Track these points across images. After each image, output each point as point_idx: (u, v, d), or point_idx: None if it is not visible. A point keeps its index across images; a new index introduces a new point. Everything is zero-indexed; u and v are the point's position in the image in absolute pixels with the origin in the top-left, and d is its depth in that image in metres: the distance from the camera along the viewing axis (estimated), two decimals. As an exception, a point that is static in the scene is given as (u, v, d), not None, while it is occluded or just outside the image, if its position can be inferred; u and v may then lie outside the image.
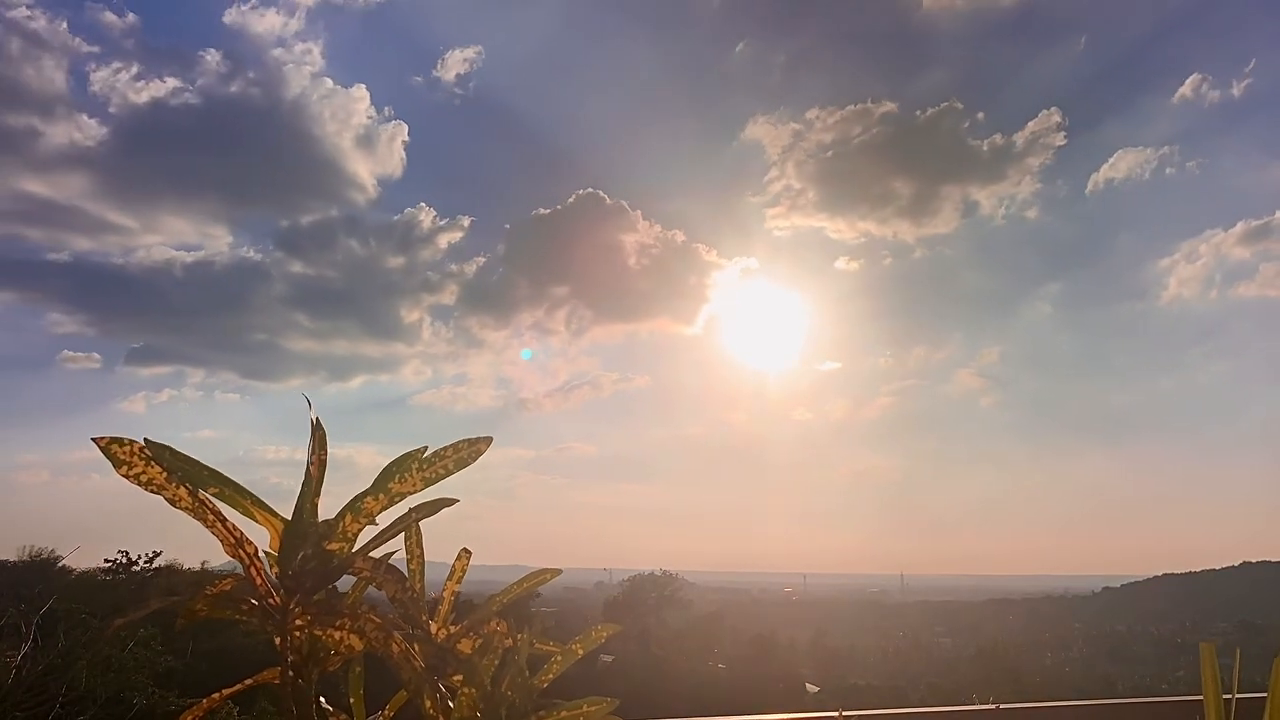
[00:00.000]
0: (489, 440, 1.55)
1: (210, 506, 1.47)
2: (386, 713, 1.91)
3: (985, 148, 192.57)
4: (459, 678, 1.69)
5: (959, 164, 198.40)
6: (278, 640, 1.50)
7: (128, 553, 32.33)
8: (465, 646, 1.79)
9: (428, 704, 1.60)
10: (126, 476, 1.42)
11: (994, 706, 4.26)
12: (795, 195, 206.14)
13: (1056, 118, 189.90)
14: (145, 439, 1.43)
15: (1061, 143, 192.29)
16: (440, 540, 2.05)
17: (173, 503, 1.45)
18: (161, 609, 1.65)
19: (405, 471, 1.51)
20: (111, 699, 12.32)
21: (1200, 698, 1.86)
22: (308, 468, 1.52)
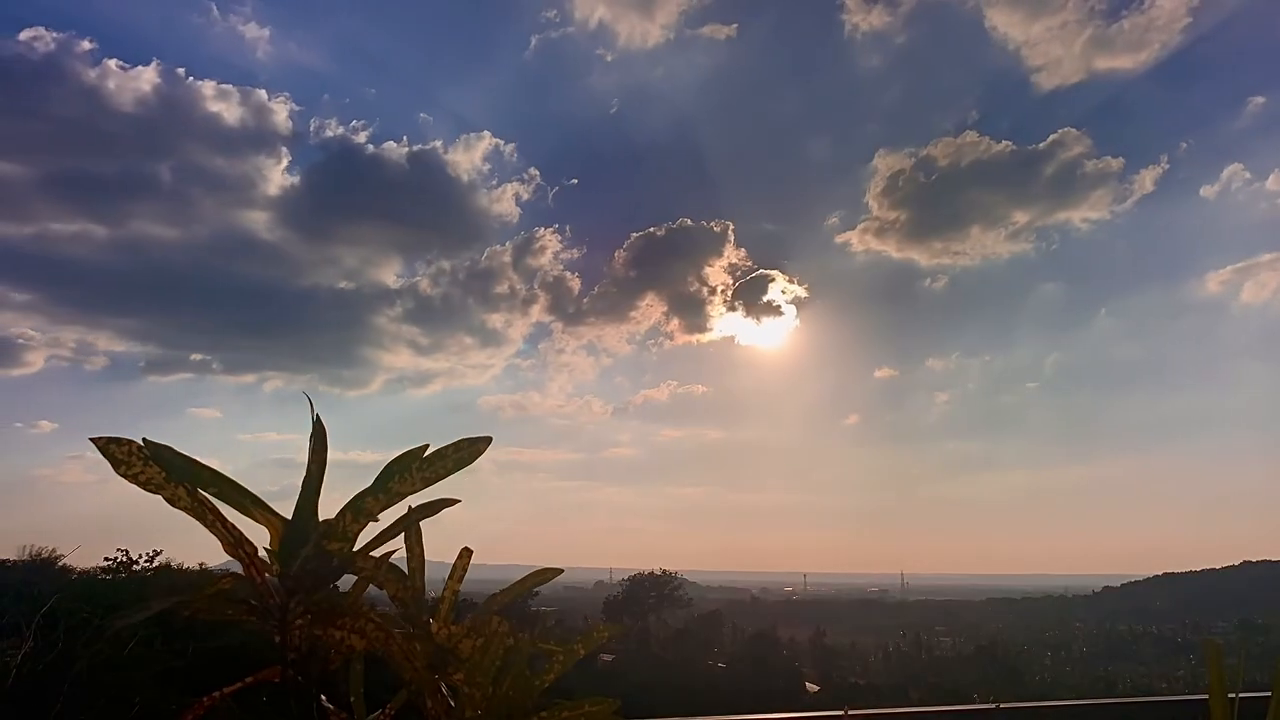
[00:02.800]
0: (488, 440, 1.55)
1: (209, 506, 1.46)
2: (388, 711, 1.91)
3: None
4: (460, 677, 1.69)
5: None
6: (277, 639, 1.49)
7: (127, 551, 32.33)
8: (466, 646, 1.79)
9: (429, 703, 1.60)
10: (125, 476, 1.42)
11: (994, 706, 4.26)
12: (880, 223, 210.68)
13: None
14: (143, 438, 1.43)
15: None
16: (446, 540, 2.06)
17: (172, 502, 1.44)
18: (164, 609, 1.65)
19: (405, 471, 1.51)
20: (112, 699, 12.32)
21: (1203, 697, 1.86)
22: (308, 467, 1.52)
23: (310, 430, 1.55)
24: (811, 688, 44.92)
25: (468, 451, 1.54)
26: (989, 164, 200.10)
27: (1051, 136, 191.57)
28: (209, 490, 1.46)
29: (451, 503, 1.55)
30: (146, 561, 32.67)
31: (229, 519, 1.50)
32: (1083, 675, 58.39)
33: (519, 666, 1.73)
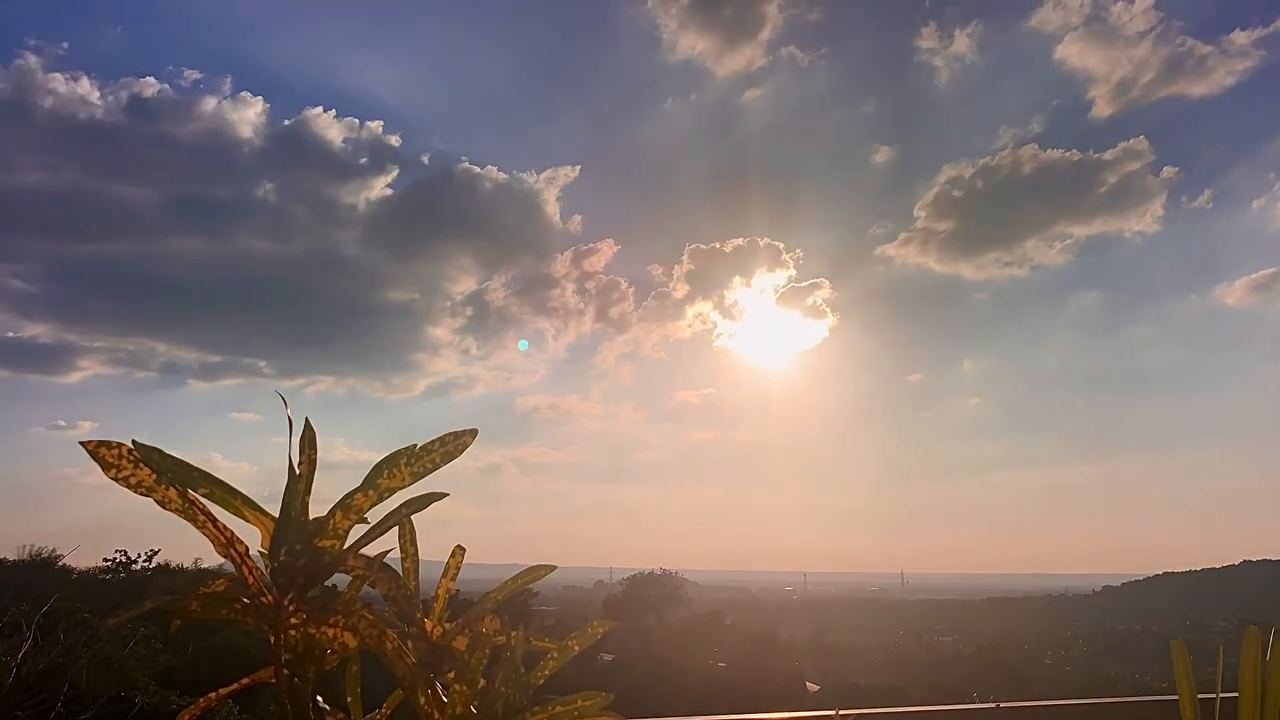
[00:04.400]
0: (474, 433, 1.56)
1: (200, 507, 1.46)
2: (383, 711, 1.90)
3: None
4: (452, 675, 1.69)
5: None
6: (272, 639, 1.49)
7: (126, 552, 32.36)
8: (460, 644, 1.79)
9: (421, 701, 1.60)
10: (116, 479, 1.42)
11: (994, 705, 4.26)
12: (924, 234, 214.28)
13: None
14: (133, 440, 1.43)
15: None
16: (452, 540, 2.07)
17: (163, 504, 1.45)
18: (158, 607, 1.65)
19: (394, 467, 1.52)
20: (112, 698, 12.33)
21: (1203, 696, 1.86)
22: (296, 466, 1.52)
23: (295, 431, 1.55)
24: (812, 687, 44.93)
25: (454, 445, 1.55)
26: (1037, 177, 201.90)
27: (1107, 151, 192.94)
28: (200, 491, 1.47)
29: (439, 497, 1.56)
30: (145, 561, 32.71)
31: (221, 520, 1.50)
32: (1083, 675, 58.43)
33: (512, 663, 1.73)
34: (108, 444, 1.42)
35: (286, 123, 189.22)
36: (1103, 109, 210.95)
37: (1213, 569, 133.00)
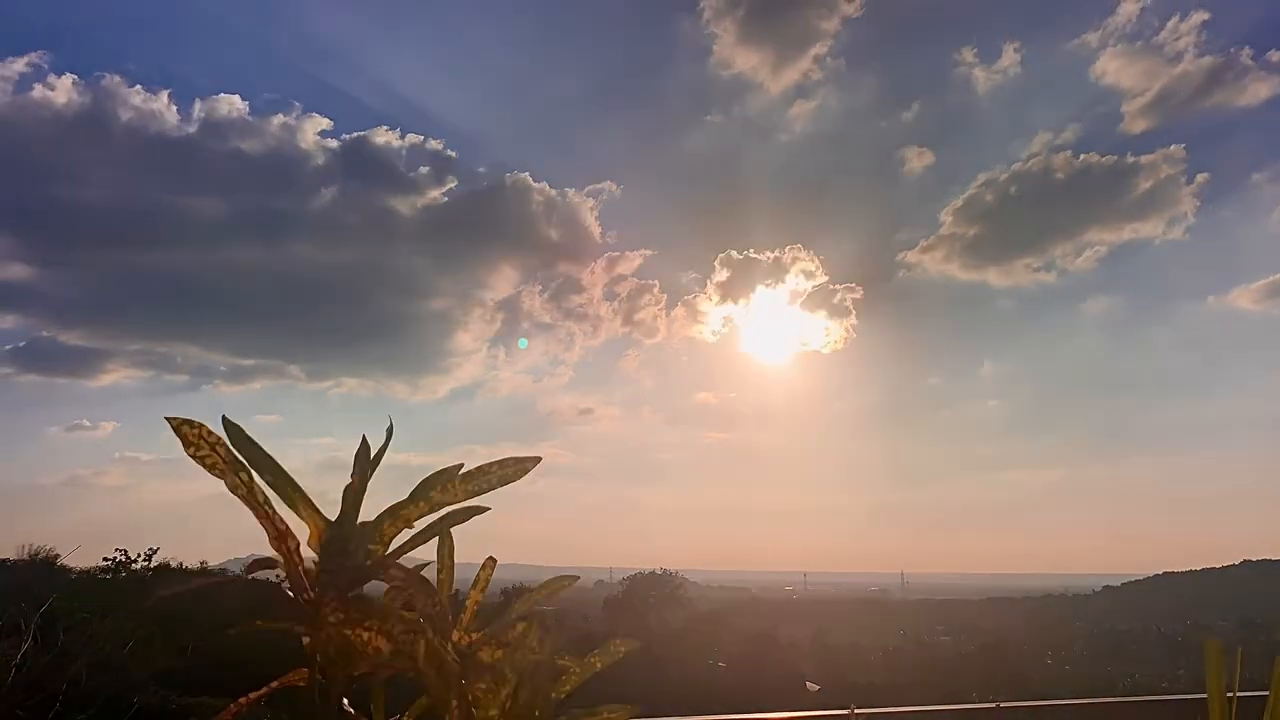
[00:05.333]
0: (536, 460, 1.55)
1: (263, 496, 1.48)
2: (406, 718, 1.91)
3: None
4: (482, 686, 1.69)
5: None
6: (306, 640, 1.50)
7: (126, 551, 32.33)
8: (486, 654, 1.80)
9: (454, 708, 1.60)
10: (194, 457, 1.44)
11: (994, 705, 4.26)
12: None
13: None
14: (224, 416, 1.45)
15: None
16: (460, 537, 2.08)
17: (231, 489, 1.47)
18: (202, 587, 1.69)
19: (449, 482, 1.53)
20: (112, 698, 12.32)
21: (1202, 696, 1.85)
22: (356, 473, 1.56)
23: (360, 440, 1.59)
24: (812, 687, 44.88)
25: (514, 469, 1.55)
26: (1067, 183, 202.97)
27: (1141, 157, 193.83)
28: (265, 479, 1.48)
29: (482, 510, 1.56)
30: (145, 561, 32.68)
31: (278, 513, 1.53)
32: (1083, 675, 58.36)
33: (539, 677, 1.73)
34: (190, 422, 1.44)
35: (347, 137, 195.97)
36: (1137, 120, 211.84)
37: (1213, 569, 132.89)
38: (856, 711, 3.19)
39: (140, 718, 12.60)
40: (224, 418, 1.45)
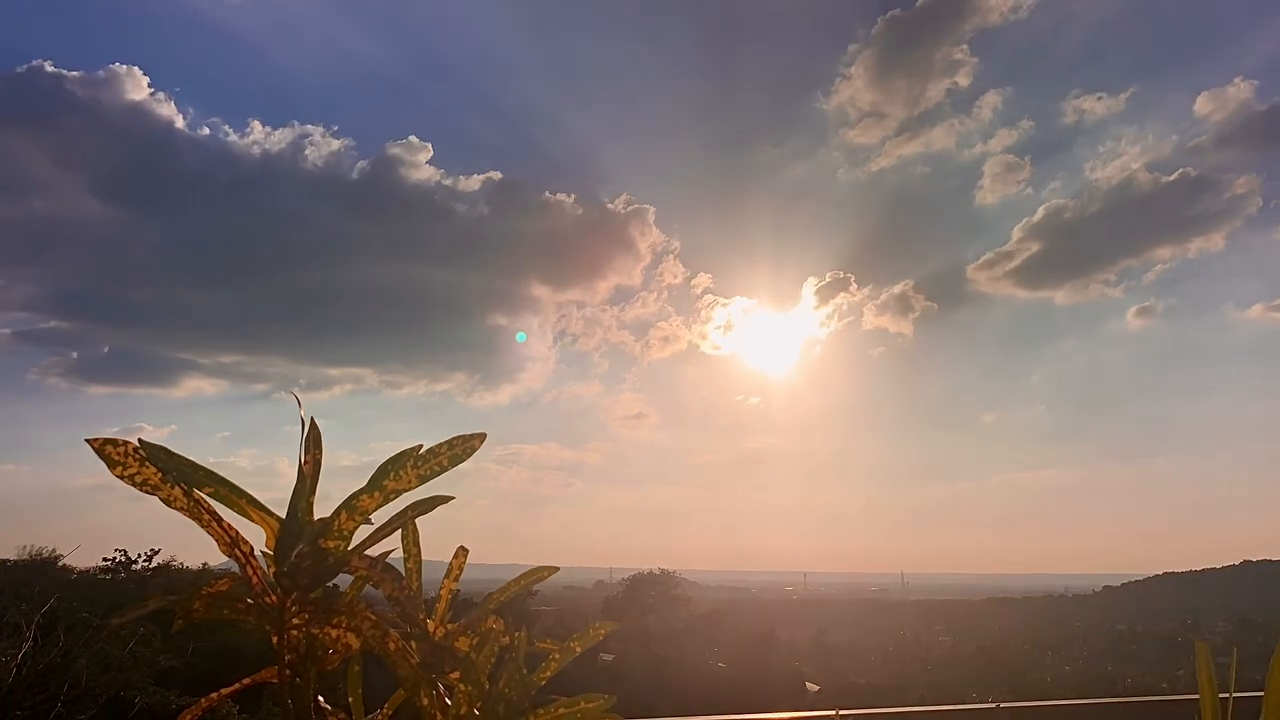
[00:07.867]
0: (482, 437, 1.54)
1: (205, 506, 1.45)
2: (385, 711, 1.90)
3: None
4: (456, 675, 1.69)
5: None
6: (275, 639, 1.49)
7: (126, 551, 32.34)
8: (463, 644, 1.79)
9: (424, 701, 1.60)
10: (121, 477, 1.40)
11: (994, 705, 4.26)
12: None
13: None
14: (139, 439, 1.41)
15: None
16: (449, 540, 2.08)
17: (168, 503, 1.43)
18: (161, 607, 1.64)
19: (400, 469, 1.50)
20: (112, 698, 12.31)
21: (1192, 697, 1.86)
22: (301, 467, 1.52)
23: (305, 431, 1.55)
24: (812, 687, 44.86)
25: (462, 448, 1.53)
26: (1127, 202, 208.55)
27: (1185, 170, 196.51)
28: (205, 491, 1.46)
29: (445, 499, 1.54)
30: (145, 561, 32.67)
31: (226, 520, 1.49)
32: (1083, 675, 58.33)
33: (515, 664, 1.73)
34: (113, 441, 1.40)
35: (451, 179, 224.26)
36: (1211, 142, 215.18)
37: (1213, 569, 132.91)
38: (842, 713, 3.17)
39: (141, 718, 12.59)
40: (139, 439, 1.41)
